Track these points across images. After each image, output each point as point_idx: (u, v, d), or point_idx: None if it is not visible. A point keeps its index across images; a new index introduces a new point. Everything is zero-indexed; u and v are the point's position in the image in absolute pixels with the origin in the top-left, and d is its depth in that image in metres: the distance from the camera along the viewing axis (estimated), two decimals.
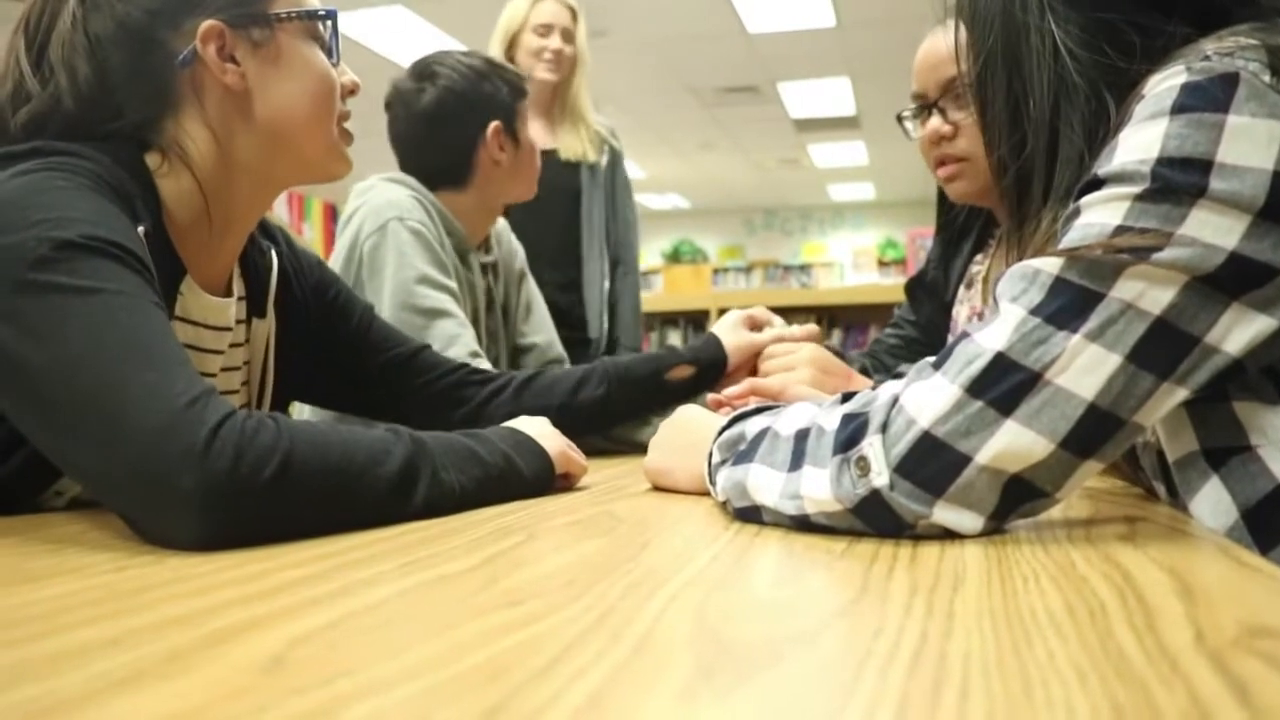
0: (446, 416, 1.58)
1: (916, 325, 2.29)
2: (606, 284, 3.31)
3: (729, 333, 1.83)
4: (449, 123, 2.14)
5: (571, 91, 3.30)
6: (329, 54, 1.25)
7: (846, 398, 0.94)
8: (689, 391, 1.74)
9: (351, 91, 1.28)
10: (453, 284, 2.01)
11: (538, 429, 1.22)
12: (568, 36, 3.26)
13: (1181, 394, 0.84)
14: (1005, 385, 0.83)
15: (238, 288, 1.31)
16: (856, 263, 15.31)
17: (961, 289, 2.16)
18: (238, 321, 1.31)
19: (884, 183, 14.50)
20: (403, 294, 1.91)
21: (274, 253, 1.38)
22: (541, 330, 2.43)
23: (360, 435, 0.99)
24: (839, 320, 4.57)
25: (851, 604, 0.65)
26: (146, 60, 1.14)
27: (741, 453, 0.98)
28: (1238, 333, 0.83)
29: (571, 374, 1.69)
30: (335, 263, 2.02)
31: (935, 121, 1.87)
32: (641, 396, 1.73)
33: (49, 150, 1.04)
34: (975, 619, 0.58)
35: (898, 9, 7.51)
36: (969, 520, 0.84)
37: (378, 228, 2.00)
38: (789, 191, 15.02)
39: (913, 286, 2.30)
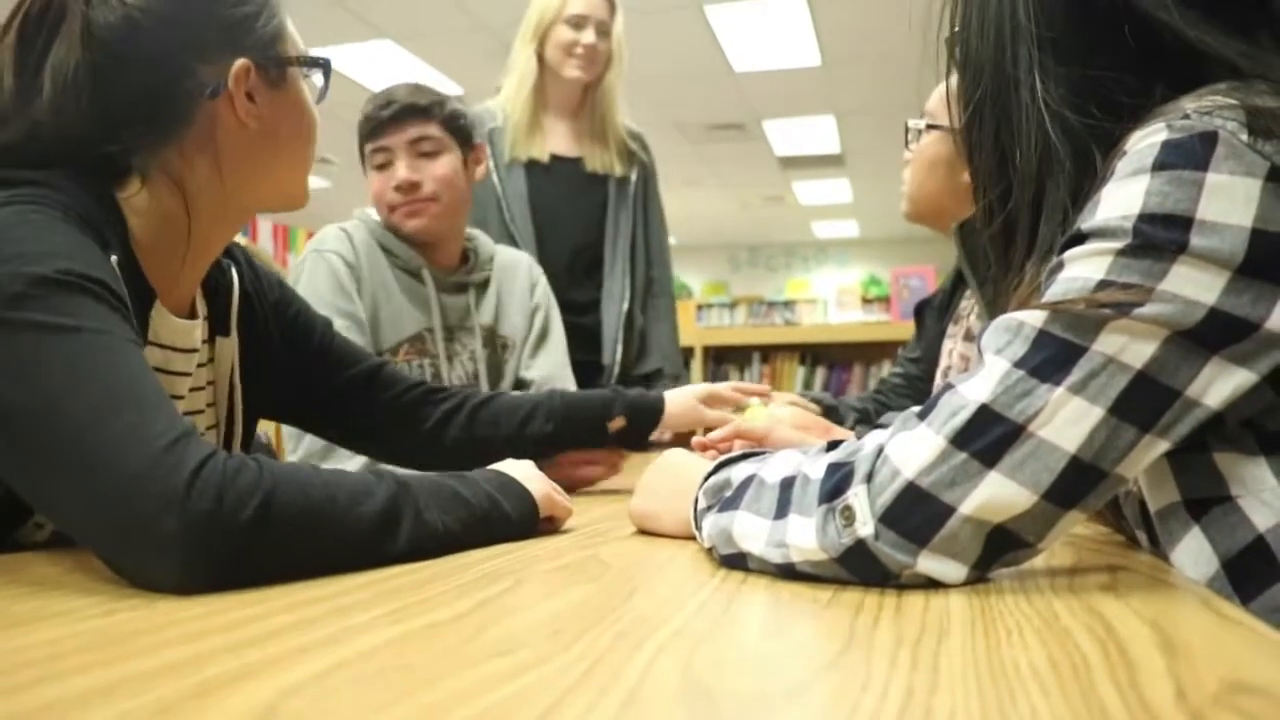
0: (406, 435, 1.61)
1: (917, 363, 2.32)
2: (625, 306, 3.03)
3: (679, 398, 1.80)
4: None
5: (603, 94, 3.01)
6: (318, 97, 1.30)
7: (832, 446, 0.95)
8: (624, 442, 1.77)
9: None
10: (352, 308, 2.10)
11: (523, 472, 1.22)
12: (603, 31, 2.92)
13: (1163, 446, 0.86)
14: (989, 437, 0.83)
15: (201, 308, 1.31)
16: (840, 300, 15.32)
17: (950, 325, 2.19)
18: (203, 341, 1.31)
19: (868, 220, 14.58)
20: None
21: (234, 272, 1.39)
22: (545, 365, 2.41)
23: (343, 476, 0.99)
24: (822, 358, 4.58)
25: (839, 656, 0.66)
26: (170, 88, 1.15)
27: (727, 499, 0.99)
28: (1218, 386, 0.84)
29: (520, 405, 1.69)
30: None
31: (907, 151, 2.04)
32: (585, 435, 1.73)
33: (15, 180, 1.04)
34: (960, 673, 0.59)
35: (882, 49, 7.59)
36: (953, 570, 0.85)
37: (301, 261, 2.17)
38: (773, 228, 15.08)
39: (921, 308, 2.35)
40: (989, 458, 0.83)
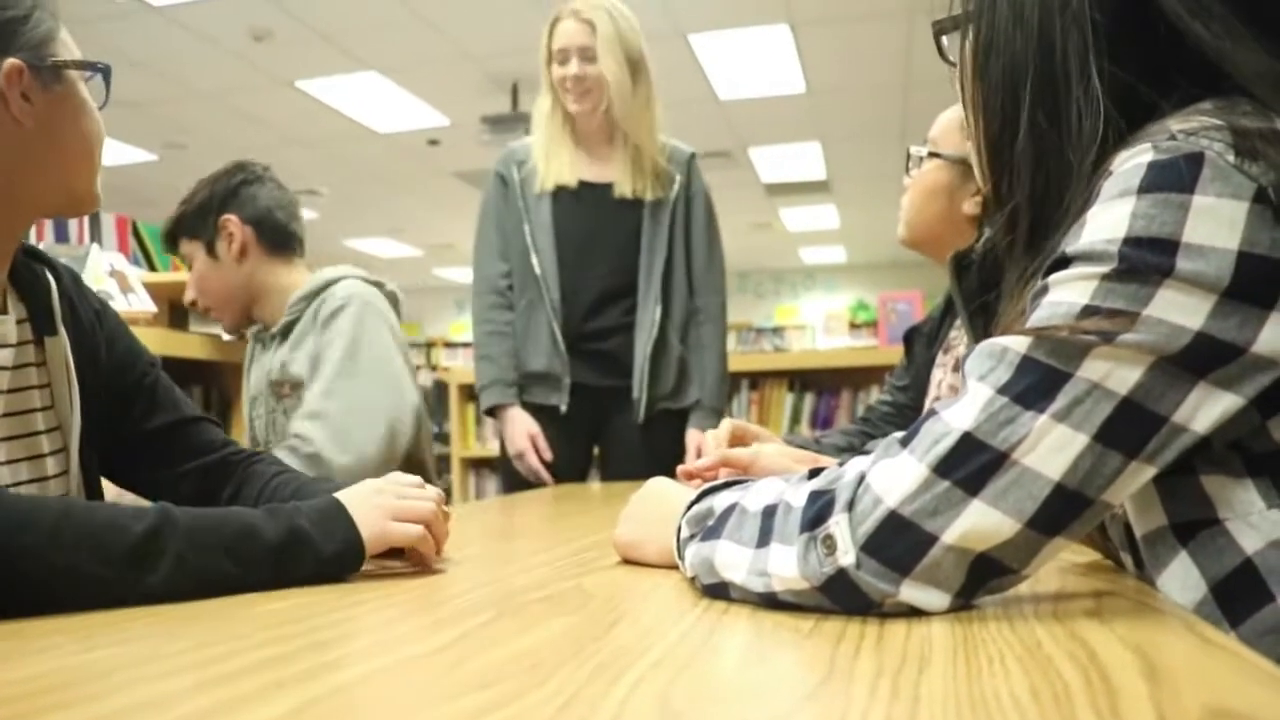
0: (199, 502, 1.46)
1: (905, 390, 2.32)
2: (654, 334, 2.93)
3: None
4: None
5: (628, 118, 2.91)
6: (101, 103, 1.33)
7: (815, 473, 0.95)
8: None
9: None
10: None
11: (359, 505, 1.15)
12: (588, 57, 2.85)
13: (1149, 472, 0.85)
14: (972, 465, 0.83)
15: (16, 309, 1.33)
16: (828, 325, 15.32)
17: (940, 354, 2.19)
18: (24, 341, 1.32)
19: (855, 246, 14.63)
20: None
21: (49, 274, 1.38)
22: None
23: (94, 510, 0.99)
24: (810, 385, 4.57)
25: (819, 687, 0.65)
26: None
27: (710, 528, 0.98)
28: (1205, 411, 0.83)
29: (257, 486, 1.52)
30: None
31: (906, 177, 2.06)
32: None
33: None
34: (940, 703, 0.58)
35: (866, 76, 7.64)
36: (936, 598, 0.85)
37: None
38: (761, 255, 15.11)
39: (910, 335, 2.35)
40: (972, 486, 0.83)
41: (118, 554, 0.96)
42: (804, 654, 0.76)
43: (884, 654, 0.72)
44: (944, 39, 1.13)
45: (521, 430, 2.95)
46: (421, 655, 0.74)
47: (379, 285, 2.48)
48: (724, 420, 1.83)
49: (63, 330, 1.37)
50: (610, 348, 2.96)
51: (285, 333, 2.41)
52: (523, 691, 0.62)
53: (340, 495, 1.17)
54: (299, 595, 1.01)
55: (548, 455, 2.93)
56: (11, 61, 1.19)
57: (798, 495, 0.91)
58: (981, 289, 1.68)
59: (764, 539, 0.91)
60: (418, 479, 1.26)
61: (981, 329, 1.67)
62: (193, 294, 2.46)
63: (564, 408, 2.94)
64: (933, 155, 2.10)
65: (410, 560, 1.20)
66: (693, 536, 1.01)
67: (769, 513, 0.93)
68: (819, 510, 0.87)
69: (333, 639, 0.79)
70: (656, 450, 2.85)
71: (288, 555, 1.07)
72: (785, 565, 0.88)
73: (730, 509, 0.98)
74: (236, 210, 2.44)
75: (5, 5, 1.21)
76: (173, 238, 2.49)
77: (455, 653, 0.75)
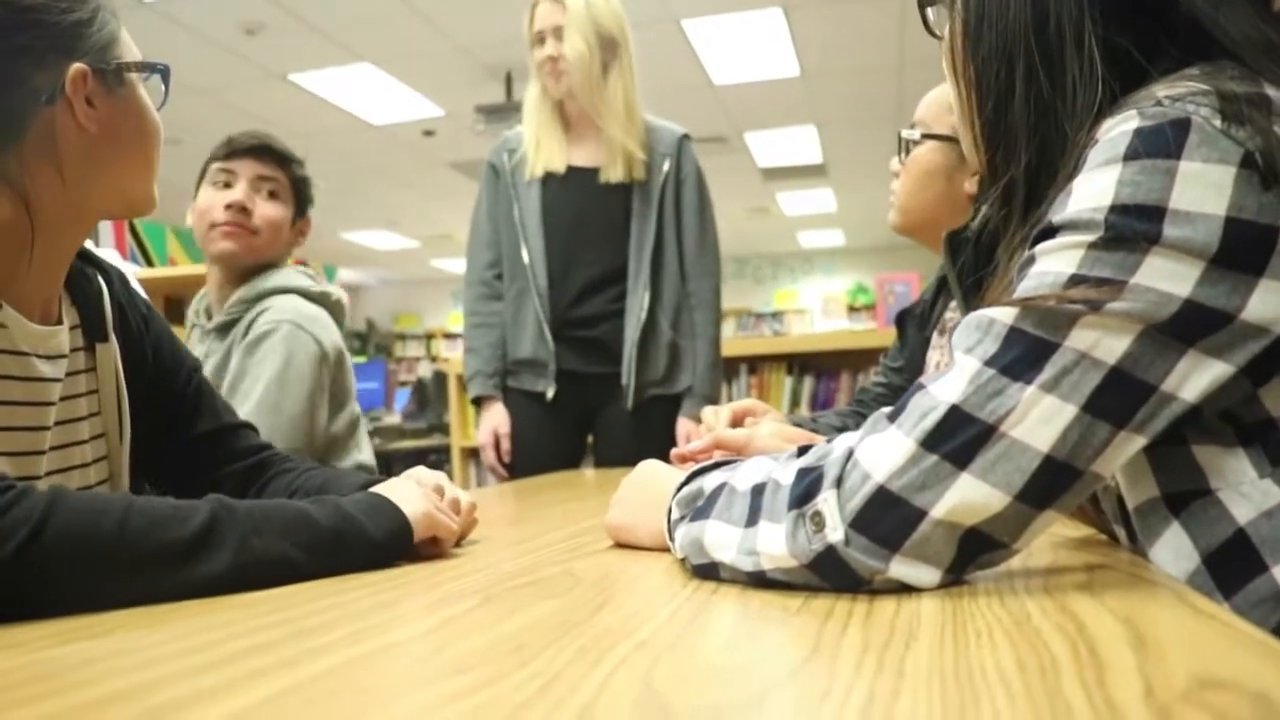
0: (247, 493, 1.48)
1: (899, 372, 2.30)
2: (643, 316, 2.91)
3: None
4: None
5: (590, 99, 2.89)
6: (159, 103, 1.31)
7: (803, 451, 0.94)
8: None
9: None
10: None
11: (401, 492, 1.20)
12: (559, 36, 2.84)
13: (1139, 442, 0.84)
14: (960, 438, 0.82)
15: (69, 316, 1.31)
16: (826, 309, 15.38)
17: (935, 334, 2.18)
18: (76, 349, 1.30)
19: (853, 229, 14.61)
20: None
21: (101, 280, 1.38)
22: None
23: (154, 503, 0.98)
24: (809, 368, 4.56)
25: (802, 664, 0.64)
26: (3, 98, 1.14)
27: (699, 509, 0.98)
28: (1194, 380, 0.82)
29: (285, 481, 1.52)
30: None
31: (894, 159, 2.00)
32: None
33: None
34: (925, 678, 0.58)
35: (859, 58, 7.62)
36: (926, 574, 0.84)
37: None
38: (759, 239, 15.11)
39: (902, 317, 2.33)
40: (960, 459, 0.82)
41: (184, 543, 0.96)
42: (791, 631, 0.75)
43: (871, 630, 0.71)
44: (929, 11, 1.12)
45: (489, 426, 3.01)
46: (404, 641, 0.73)
47: (324, 296, 2.39)
48: (723, 407, 1.83)
49: (113, 337, 1.36)
50: (599, 334, 2.95)
51: (221, 331, 2.35)
52: (503, 674, 0.61)
53: (379, 488, 1.21)
54: (282, 586, 1.00)
55: (506, 456, 3.00)
56: (77, 66, 1.17)
57: (786, 473, 0.90)
58: (976, 266, 1.67)
59: (753, 518, 0.90)
60: (441, 475, 1.32)
61: (977, 307, 1.65)
62: (261, 221, 2.32)
63: (550, 394, 2.94)
64: (927, 137, 2.06)
65: (424, 548, 1.20)
66: (682, 518, 1.00)
67: (758, 491, 0.92)
68: (807, 487, 0.87)
69: (315, 626, 0.78)
70: (648, 436, 2.85)
71: (342, 540, 1.08)
72: (774, 543, 0.87)
73: (719, 489, 0.97)
74: None
75: (70, 8, 1.18)
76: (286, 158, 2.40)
77: (438, 638, 0.74)
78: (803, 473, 0.88)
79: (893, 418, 0.87)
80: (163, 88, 1.31)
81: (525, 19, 2.94)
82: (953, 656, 0.63)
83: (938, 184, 2.05)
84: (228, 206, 2.28)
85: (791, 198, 12.50)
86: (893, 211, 2.13)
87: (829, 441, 0.93)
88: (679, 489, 1.04)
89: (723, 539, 0.93)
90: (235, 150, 2.32)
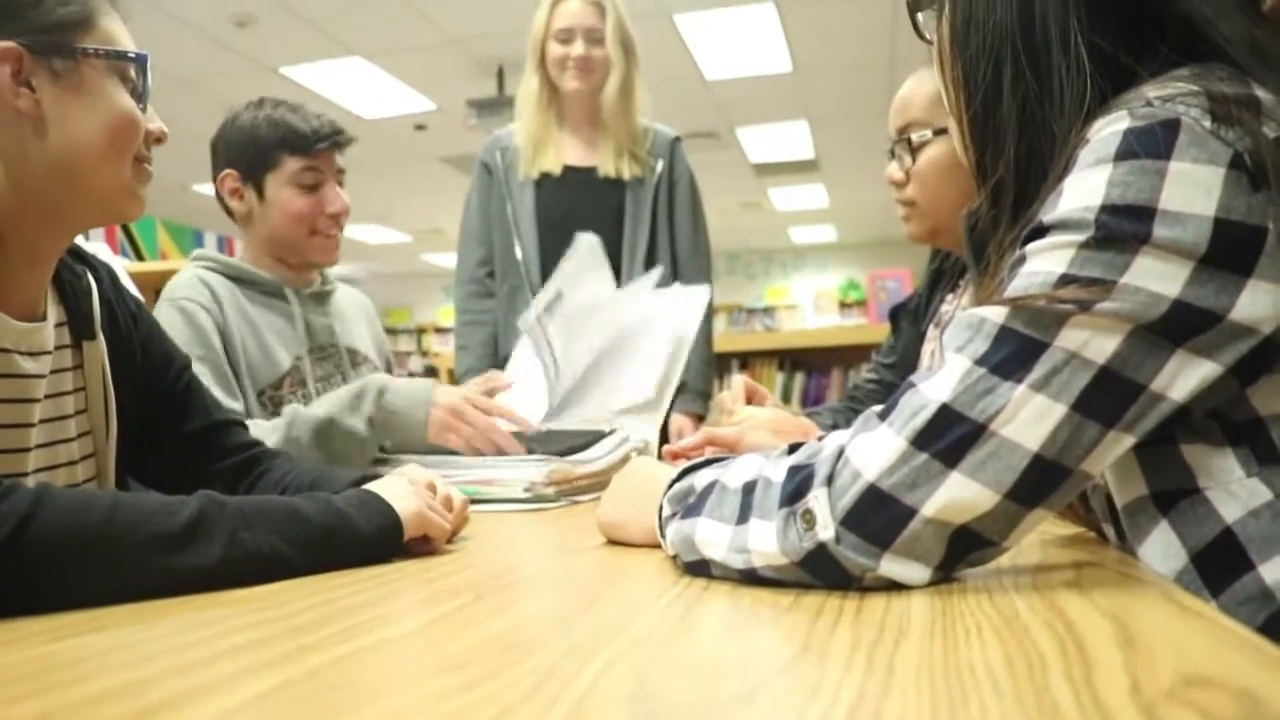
0: (236, 490, 1.45)
1: (892, 368, 2.30)
2: None
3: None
4: (211, 164, 2.18)
5: (609, 99, 2.93)
6: (138, 98, 1.26)
7: (794, 449, 0.94)
8: None
9: (158, 139, 1.29)
10: (213, 355, 1.98)
11: (393, 490, 1.19)
12: (594, 39, 2.88)
13: (1128, 441, 0.85)
14: (950, 437, 0.83)
15: (55, 313, 1.29)
16: (818, 304, 15.38)
17: (930, 328, 2.17)
18: (62, 346, 1.29)
19: (844, 224, 14.62)
20: None
21: (91, 277, 1.36)
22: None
23: (141, 498, 0.98)
24: (800, 364, 4.57)
25: (793, 661, 0.65)
26: None
27: (690, 506, 0.98)
28: (1183, 379, 0.83)
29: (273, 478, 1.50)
30: None
31: (892, 166, 1.91)
32: None
33: None
34: (914, 675, 0.58)
35: (852, 54, 7.62)
36: (916, 572, 0.84)
37: (154, 310, 1.97)
38: (751, 235, 15.11)
39: (896, 312, 2.31)
40: (950, 458, 0.83)
41: (172, 536, 0.95)
42: (781, 629, 0.75)
43: (861, 627, 0.72)
44: (919, 15, 1.12)
45: None
46: (396, 638, 0.74)
47: None
48: (736, 377, 1.83)
49: (101, 335, 1.35)
50: None
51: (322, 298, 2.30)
52: (495, 672, 0.61)
53: (370, 486, 1.21)
54: (273, 582, 1.00)
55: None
56: (5, 44, 1.14)
57: (777, 470, 0.91)
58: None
59: (744, 515, 0.91)
60: (433, 472, 1.33)
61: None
62: (345, 219, 2.21)
63: None
64: (937, 133, 1.87)
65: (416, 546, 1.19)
66: (674, 515, 1.00)
67: (749, 489, 0.92)
68: (798, 485, 0.87)
69: (308, 623, 0.79)
70: None
71: (333, 537, 1.08)
72: (765, 541, 0.88)
73: (710, 486, 0.98)
74: None
75: None
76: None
77: (431, 635, 0.75)
78: (794, 470, 0.89)
79: (883, 416, 0.87)
80: (141, 79, 1.27)
81: (542, 11, 2.92)
82: (942, 654, 0.63)
83: (960, 175, 1.93)
84: (333, 215, 2.15)
85: (783, 193, 12.50)
86: (911, 224, 1.96)
87: (819, 438, 0.94)
88: (670, 486, 1.04)
89: (714, 536, 0.93)
90: (320, 143, 2.13)
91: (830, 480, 0.85)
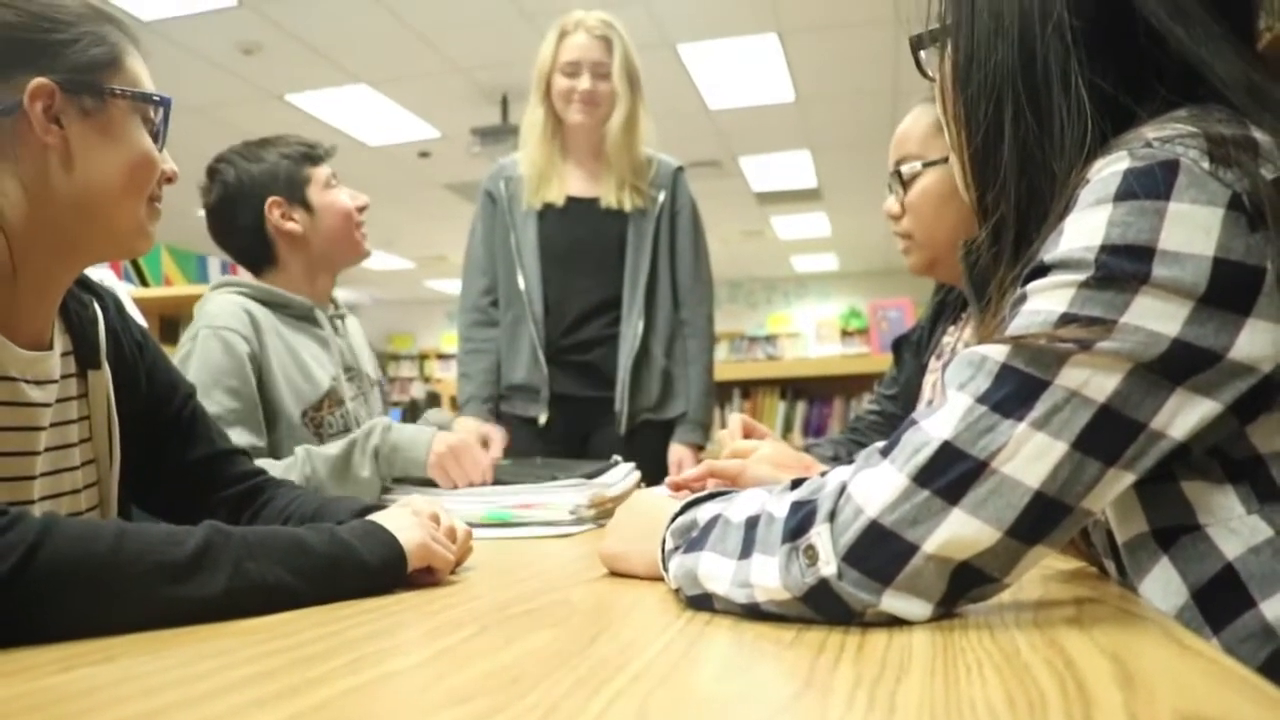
0: (239, 520, 1.47)
1: (894, 400, 2.30)
2: (636, 343, 2.94)
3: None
4: (232, 213, 2.23)
5: (613, 130, 2.93)
6: (156, 138, 1.29)
7: (796, 484, 0.95)
8: None
9: (169, 179, 1.32)
10: (246, 389, 2.02)
11: (396, 521, 1.20)
12: (600, 73, 2.89)
13: (1129, 479, 0.85)
14: (952, 474, 0.83)
15: (61, 342, 1.30)
16: (819, 333, 15.38)
17: (932, 359, 2.17)
18: (67, 375, 1.30)
19: (846, 253, 14.64)
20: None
21: (97, 306, 1.38)
22: None
23: (147, 527, 0.98)
24: (802, 393, 4.58)
25: (794, 698, 0.65)
26: None
27: (693, 540, 0.99)
28: (1183, 418, 0.84)
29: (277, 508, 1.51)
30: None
31: (890, 200, 1.93)
32: None
33: None
34: (915, 713, 0.59)
35: (854, 84, 7.65)
36: (917, 608, 0.85)
37: (191, 337, 2.05)
38: (753, 263, 15.13)
39: (899, 343, 2.32)
40: (952, 495, 0.83)
41: (177, 566, 0.95)
42: (784, 665, 0.76)
43: (863, 663, 0.72)
44: (922, 53, 1.13)
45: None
46: (403, 670, 0.74)
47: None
48: (734, 416, 1.83)
49: (106, 364, 1.36)
50: (593, 359, 2.98)
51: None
52: (501, 706, 0.62)
53: (374, 517, 1.22)
54: (278, 612, 1.01)
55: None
56: (39, 80, 1.16)
57: (780, 506, 0.91)
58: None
59: (746, 550, 0.92)
60: (437, 502, 1.34)
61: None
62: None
63: (542, 420, 2.96)
64: (928, 166, 1.91)
65: (420, 577, 1.20)
66: (677, 548, 1.01)
67: (751, 524, 0.93)
68: (801, 521, 0.88)
69: (314, 655, 0.79)
70: (641, 461, 2.86)
71: (337, 567, 1.09)
72: (767, 576, 0.88)
73: (714, 520, 0.98)
74: None
75: (53, 28, 1.19)
76: None
77: (437, 667, 0.75)
78: (796, 506, 0.90)
79: (885, 452, 0.88)
80: (162, 120, 1.30)
81: (549, 44, 2.94)
82: (943, 691, 0.64)
83: (956, 203, 1.94)
84: (360, 208, 2.34)
85: (785, 222, 12.53)
86: (911, 256, 1.99)
87: (822, 473, 0.94)
88: (673, 519, 1.04)
89: (716, 571, 0.94)
90: (321, 151, 2.34)
91: (833, 516, 0.86)
